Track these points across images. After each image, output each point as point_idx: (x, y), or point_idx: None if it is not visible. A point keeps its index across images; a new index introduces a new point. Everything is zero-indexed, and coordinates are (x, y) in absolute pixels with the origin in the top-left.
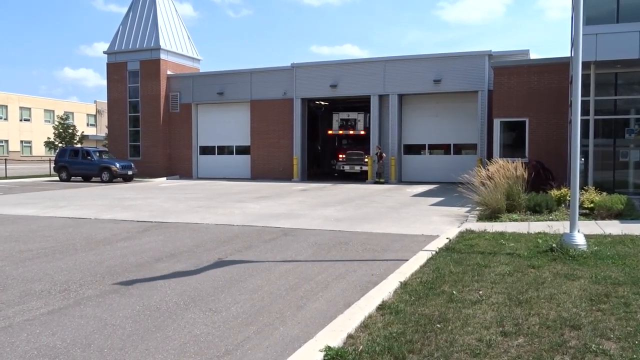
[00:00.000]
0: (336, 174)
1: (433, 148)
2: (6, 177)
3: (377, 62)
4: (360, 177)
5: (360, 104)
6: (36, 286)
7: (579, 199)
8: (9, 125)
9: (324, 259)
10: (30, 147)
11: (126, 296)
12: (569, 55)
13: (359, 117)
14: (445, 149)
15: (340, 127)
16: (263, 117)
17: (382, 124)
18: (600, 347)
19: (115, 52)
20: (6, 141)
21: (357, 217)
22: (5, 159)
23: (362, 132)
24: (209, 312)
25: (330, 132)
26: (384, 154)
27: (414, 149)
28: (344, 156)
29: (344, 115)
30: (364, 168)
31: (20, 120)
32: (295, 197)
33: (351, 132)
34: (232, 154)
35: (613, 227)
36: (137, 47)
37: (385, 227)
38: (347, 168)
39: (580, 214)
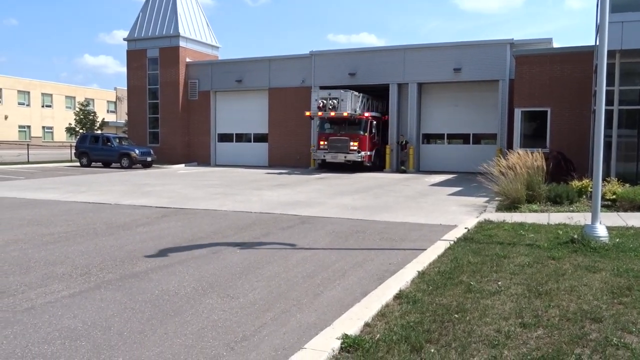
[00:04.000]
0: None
1: (452, 137)
2: (28, 162)
3: (396, 51)
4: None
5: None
6: (58, 269)
7: (601, 190)
8: (31, 112)
9: (341, 247)
10: (52, 133)
11: (145, 281)
12: (592, 43)
13: (343, 96)
14: (464, 138)
15: (321, 108)
16: (281, 105)
17: (401, 112)
18: (622, 340)
19: (135, 39)
20: (28, 127)
21: (375, 206)
22: (28, 145)
23: (345, 114)
24: (227, 298)
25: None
26: (408, 143)
27: (432, 138)
28: (325, 143)
29: (323, 93)
30: (349, 157)
31: (42, 106)
32: (313, 185)
33: (332, 114)
34: (250, 141)
35: (636, 220)
36: (157, 34)
37: (403, 216)
38: (328, 157)
39: (602, 206)
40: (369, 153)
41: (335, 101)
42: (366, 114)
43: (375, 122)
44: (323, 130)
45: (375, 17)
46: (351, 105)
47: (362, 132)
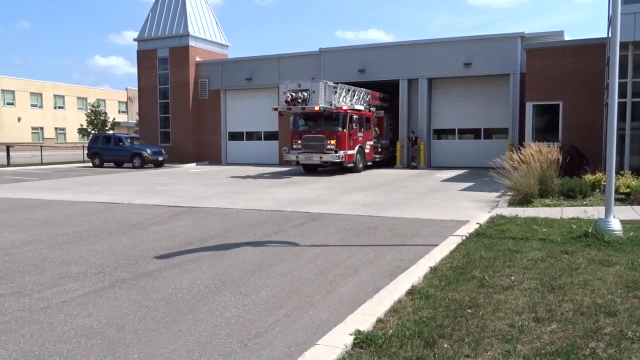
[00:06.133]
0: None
1: (463, 132)
2: (42, 163)
3: (405, 46)
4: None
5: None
6: (72, 269)
7: (615, 183)
8: (44, 113)
9: (353, 244)
10: (65, 134)
11: (159, 279)
12: (604, 36)
13: (315, 87)
14: (475, 133)
15: (289, 102)
16: None
17: (412, 108)
18: (637, 334)
19: (145, 40)
20: (41, 128)
21: (386, 202)
22: (41, 146)
23: (317, 109)
24: (240, 296)
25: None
26: (418, 139)
27: (443, 134)
28: (299, 142)
29: (292, 85)
30: (325, 158)
31: (55, 107)
32: (323, 182)
33: (303, 108)
34: (261, 139)
35: None
36: (167, 34)
37: (415, 212)
38: (302, 158)
39: (616, 199)
40: (349, 152)
41: (305, 93)
42: (344, 107)
43: (359, 117)
44: (296, 128)
45: (384, 13)
46: (325, 97)
47: (340, 129)
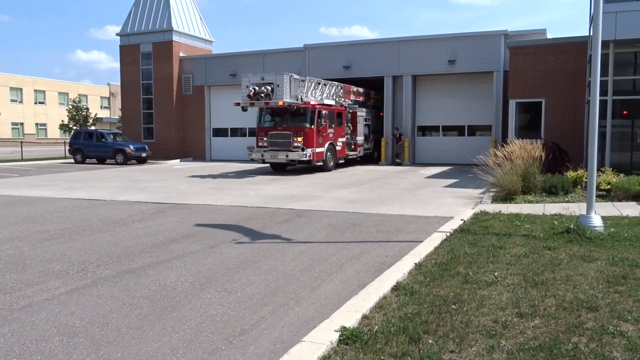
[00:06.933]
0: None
1: (447, 129)
2: (22, 160)
3: (390, 43)
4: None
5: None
6: (54, 266)
7: (596, 180)
8: (24, 108)
9: (338, 240)
10: (46, 129)
11: (142, 276)
12: (586, 34)
13: (279, 80)
14: (459, 130)
15: (251, 97)
16: None
17: (396, 105)
18: (618, 329)
19: (128, 34)
20: (21, 124)
21: (371, 198)
22: (21, 142)
23: (281, 103)
24: (224, 293)
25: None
26: (402, 136)
27: (428, 131)
28: (264, 139)
29: (256, 78)
30: (291, 156)
31: (35, 103)
32: (309, 179)
33: (266, 103)
34: (245, 136)
35: (630, 209)
36: (150, 29)
37: (399, 208)
38: (267, 156)
39: (597, 196)
40: (318, 150)
41: (269, 87)
42: (312, 102)
43: (329, 112)
44: (262, 124)
45: (368, 9)
46: (290, 91)
47: (308, 125)
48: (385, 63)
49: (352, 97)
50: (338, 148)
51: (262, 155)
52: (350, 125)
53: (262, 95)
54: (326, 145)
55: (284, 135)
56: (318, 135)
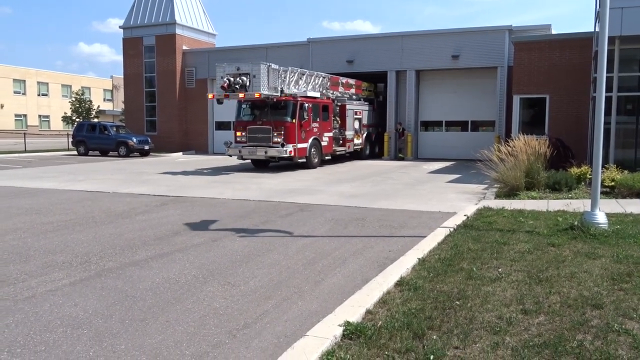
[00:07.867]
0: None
1: (450, 125)
2: (25, 151)
3: (394, 37)
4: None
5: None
6: (58, 258)
7: (600, 177)
8: (27, 100)
9: (341, 235)
10: (49, 121)
11: (146, 269)
12: (591, 30)
13: (256, 71)
14: (462, 125)
15: (226, 88)
16: None
17: (399, 100)
18: (623, 326)
19: (131, 27)
20: (25, 115)
21: (374, 193)
22: (24, 133)
23: (257, 95)
24: (228, 286)
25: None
26: (405, 131)
27: (431, 126)
28: (242, 134)
29: (231, 68)
30: (270, 152)
31: (38, 95)
32: (311, 173)
33: (241, 95)
34: None
35: (634, 206)
36: (153, 22)
37: (402, 203)
38: (245, 153)
39: (601, 193)
40: (300, 146)
41: (245, 78)
42: (295, 94)
43: (314, 105)
44: (241, 118)
45: (370, 3)
46: (269, 82)
47: (289, 119)
48: (389, 58)
49: (341, 88)
50: (324, 144)
51: (240, 152)
52: (338, 119)
53: (238, 86)
54: (310, 141)
55: (263, 130)
56: (300, 130)
